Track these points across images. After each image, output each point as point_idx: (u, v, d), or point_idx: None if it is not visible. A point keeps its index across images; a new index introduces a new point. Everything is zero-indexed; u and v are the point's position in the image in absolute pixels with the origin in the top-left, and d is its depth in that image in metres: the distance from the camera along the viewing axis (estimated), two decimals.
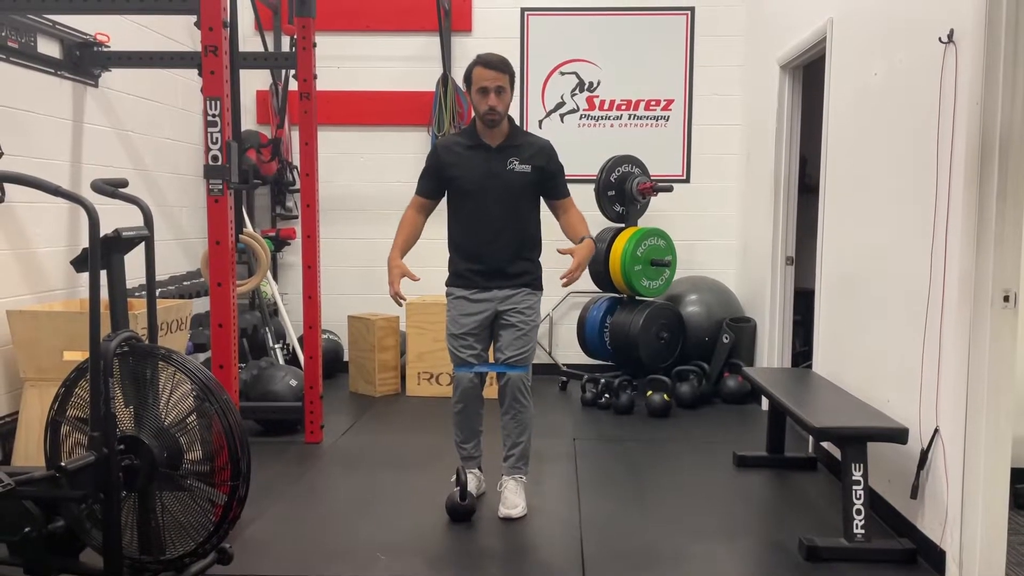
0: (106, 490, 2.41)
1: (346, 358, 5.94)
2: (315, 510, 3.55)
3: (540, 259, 3.54)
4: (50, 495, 2.47)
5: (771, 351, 5.15)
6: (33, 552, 2.50)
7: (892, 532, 3.27)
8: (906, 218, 3.22)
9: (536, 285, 3.50)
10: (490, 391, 3.70)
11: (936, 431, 2.94)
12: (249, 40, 5.81)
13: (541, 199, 3.53)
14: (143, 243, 2.70)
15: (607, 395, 5.29)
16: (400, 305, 3.50)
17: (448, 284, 3.53)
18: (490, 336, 3.49)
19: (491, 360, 3.48)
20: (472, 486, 3.46)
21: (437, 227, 3.64)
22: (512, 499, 3.42)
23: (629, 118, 6.17)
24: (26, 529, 2.45)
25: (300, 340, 5.14)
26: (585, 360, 5.95)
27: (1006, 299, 2.68)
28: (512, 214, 3.41)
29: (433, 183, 3.51)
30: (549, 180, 3.48)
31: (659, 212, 5.91)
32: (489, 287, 3.42)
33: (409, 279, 3.42)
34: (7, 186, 3.70)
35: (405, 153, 6.18)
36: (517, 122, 3.67)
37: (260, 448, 4.10)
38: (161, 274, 4.79)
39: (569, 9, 6.10)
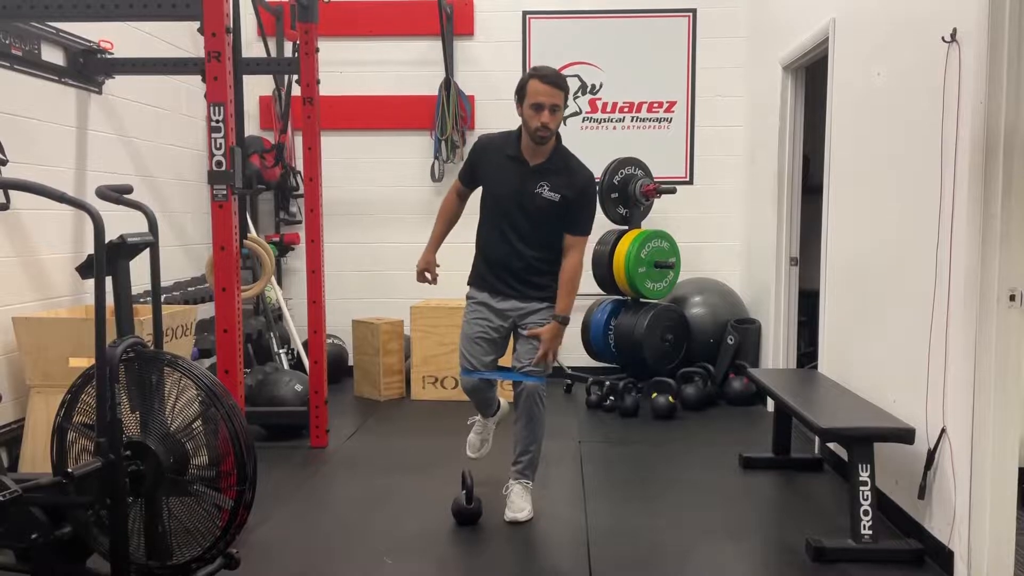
0: (113, 496, 2.41)
1: (351, 362, 5.94)
2: (321, 514, 3.55)
3: None
4: (57, 501, 2.48)
5: (776, 352, 5.14)
6: (40, 558, 2.50)
7: (900, 533, 3.26)
8: (911, 218, 3.22)
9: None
10: (507, 394, 3.71)
11: (943, 431, 2.93)
12: (252, 46, 5.83)
13: None
14: (148, 249, 2.70)
15: (612, 397, 5.29)
16: (424, 281, 3.59)
17: (470, 284, 3.49)
18: (505, 345, 3.48)
19: (509, 367, 3.46)
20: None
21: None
22: (518, 503, 3.42)
23: (632, 120, 6.17)
24: (33, 535, 2.45)
25: (305, 345, 5.16)
26: (590, 362, 5.94)
27: (1012, 298, 2.67)
28: (536, 233, 3.34)
29: (471, 176, 3.50)
30: (572, 214, 3.33)
31: (663, 214, 5.90)
32: (509, 295, 3.39)
33: (429, 278, 3.55)
34: (12, 193, 3.72)
35: (408, 157, 6.19)
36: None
37: (266, 453, 4.10)
38: (166, 280, 4.80)
39: (571, 12, 6.11)
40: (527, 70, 5.97)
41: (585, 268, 5.38)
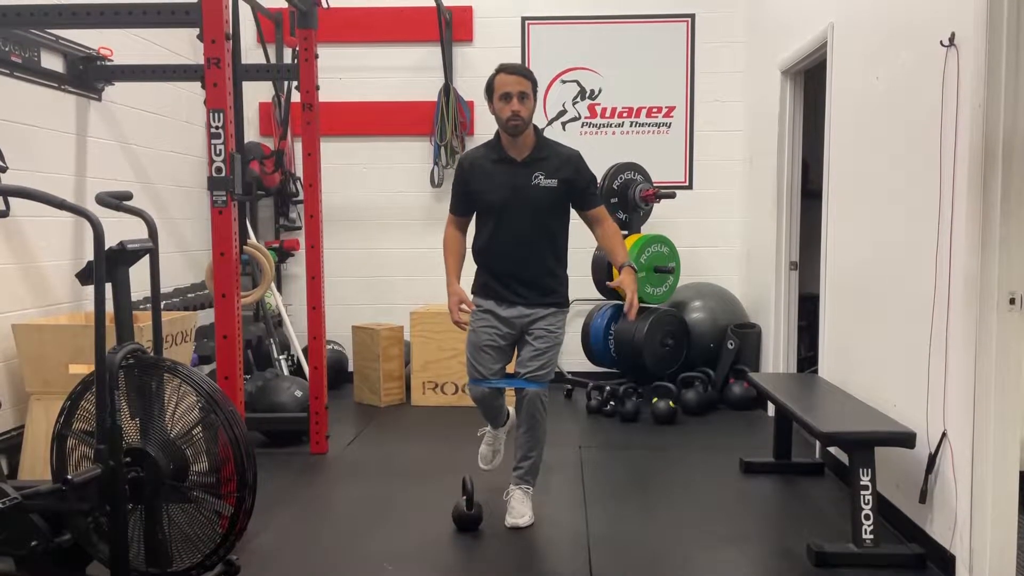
0: (112, 503, 2.41)
1: (351, 368, 5.93)
2: (321, 521, 3.55)
3: (567, 271, 3.47)
4: (57, 508, 2.47)
5: (776, 356, 5.14)
6: (40, 566, 2.50)
7: (901, 537, 3.25)
8: (910, 221, 3.22)
9: (563, 303, 3.43)
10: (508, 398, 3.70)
11: (944, 435, 2.93)
12: (251, 52, 5.83)
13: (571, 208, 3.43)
14: (148, 255, 2.71)
15: (612, 403, 5.28)
16: (464, 330, 3.44)
17: (475, 292, 3.46)
18: (512, 352, 3.47)
19: (511, 373, 3.45)
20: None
21: None
22: (519, 508, 3.41)
23: (631, 125, 6.18)
24: (33, 543, 2.45)
25: (304, 351, 5.15)
26: (590, 368, 5.93)
27: (1012, 301, 2.67)
28: (538, 230, 3.34)
29: (464, 200, 3.45)
30: (577, 192, 3.37)
31: (662, 219, 5.91)
32: (515, 302, 3.37)
33: (466, 306, 3.40)
34: (12, 200, 3.72)
35: (408, 163, 6.20)
36: None
37: (266, 459, 4.10)
38: (166, 286, 4.80)
39: (570, 17, 6.12)
40: None
41: (584, 273, 5.48)
